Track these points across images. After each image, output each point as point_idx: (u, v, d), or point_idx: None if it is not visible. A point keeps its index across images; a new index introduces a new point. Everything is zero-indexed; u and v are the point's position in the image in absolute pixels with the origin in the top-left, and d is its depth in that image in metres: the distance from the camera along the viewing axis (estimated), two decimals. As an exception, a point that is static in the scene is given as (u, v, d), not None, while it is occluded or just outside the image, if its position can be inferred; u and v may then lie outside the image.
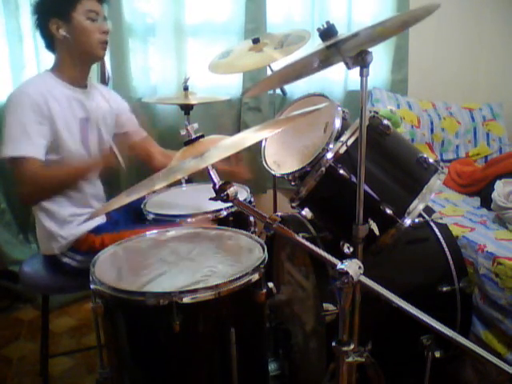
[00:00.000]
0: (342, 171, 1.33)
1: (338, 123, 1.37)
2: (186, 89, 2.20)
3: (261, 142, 1.57)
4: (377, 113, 1.42)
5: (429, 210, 1.64)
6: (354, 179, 1.31)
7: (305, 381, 1.70)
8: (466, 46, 3.14)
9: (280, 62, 1.99)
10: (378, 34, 1.19)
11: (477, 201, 2.32)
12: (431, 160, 1.41)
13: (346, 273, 0.90)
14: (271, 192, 2.44)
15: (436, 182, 1.38)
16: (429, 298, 1.54)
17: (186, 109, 2.30)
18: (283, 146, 1.54)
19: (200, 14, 2.66)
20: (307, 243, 1.01)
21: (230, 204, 1.16)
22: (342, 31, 1.17)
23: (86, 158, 1.68)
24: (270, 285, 1.25)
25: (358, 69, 1.16)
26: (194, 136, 1.49)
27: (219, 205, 1.66)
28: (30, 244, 2.53)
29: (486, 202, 2.15)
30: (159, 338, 1.18)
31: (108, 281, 1.18)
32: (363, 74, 1.16)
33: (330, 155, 1.33)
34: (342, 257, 0.95)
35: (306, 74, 1.40)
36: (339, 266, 0.92)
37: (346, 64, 1.16)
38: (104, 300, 1.18)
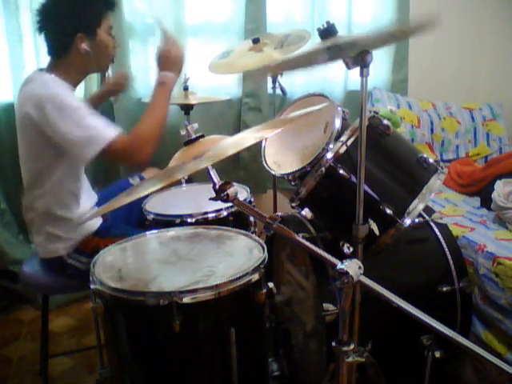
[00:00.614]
0: (341, 171, 1.33)
1: (337, 123, 1.37)
2: (185, 89, 2.20)
3: (261, 142, 1.57)
4: (377, 113, 1.42)
5: (429, 210, 1.64)
6: (353, 179, 1.31)
7: (305, 381, 1.70)
8: (466, 46, 3.14)
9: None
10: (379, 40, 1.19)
11: (477, 201, 2.32)
12: (431, 160, 1.41)
13: (346, 273, 0.90)
14: (271, 192, 2.44)
15: (436, 181, 1.38)
16: (429, 298, 1.54)
17: (186, 109, 2.30)
18: (283, 146, 1.54)
19: (200, 14, 2.66)
20: (307, 243, 1.01)
21: (229, 204, 1.16)
22: (342, 31, 1.17)
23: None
24: (270, 285, 1.25)
25: (358, 69, 1.16)
26: (193, 136, 1.49)
27: (219, 205, 1.66)
28: (30, 244, 2.53)
29: (486, 202, 2.15)
30: (159, 338, 1.18)
31: (108, 281, 1.18)
32: (363, 74, 1.16)
33: (329, 155, 1.33)
34: (342, 257, 0.95)
35: (307, 66, 1.38)
36: (339, 265, 0.92)
37: (346, 64, 1.17)
38: (104, 300, 1.18)
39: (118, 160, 1.47)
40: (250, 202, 1.86)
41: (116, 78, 2.02)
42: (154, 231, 1.51)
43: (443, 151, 2.89)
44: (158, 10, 2.58)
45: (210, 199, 1.09)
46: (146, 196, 1.89)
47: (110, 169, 2.66)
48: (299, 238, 1.03)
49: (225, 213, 1.71)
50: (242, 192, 1.87)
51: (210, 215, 1.70)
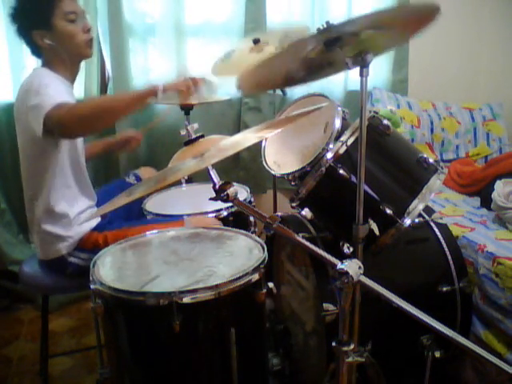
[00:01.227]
0: (341, 171, 1.33)
1: (338, 123, 1.37)
2: (185, 89, 2.20)
3: (261, 142, 1.57)
4: (377, 113, 1.42)
5: (429, 210, 1.64)
6: (353, 179, 1.31)
7: (305, 381, 1.71)
8: (466, 46, 3.14)
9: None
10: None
11: (477, 201, 2.32)
12: (431, 160, 1.41)
13: (346, 273, 0.90)
14: (271, 192, 2.44)
15: (436, 182, 1.38)
16: (429, 298, 1.54)
17: (186, 109, 2.30)
18: (283, 145, 1.54)
19: (200, 14, 2.66)
20: (307, 243, 1.01)
21: (230, 204, 1.16)
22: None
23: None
24: (270, 285, 1.25)
25: (357, 69, 1.16)
26: (193, 136, 1.49)
27: (219, 205, 1.66)
28: (30, 244, 2.53)
29: (486, 202, 2.15)
30: (159, 338, 1.18)
31: (108, 281, 1.18)
32: (363, 74, 1.16)
33: (329, 155, 1.33)
34: (342, 257, 0.95)
35: (310, 76, 1.38)
36: (339, 266, 0.92)
37: (346, 64, 1.16)
38: (104, 300, 1.18)
39: (54, 127, 1.46)
40: (250, 202, 1.86)
41: (125, 136, 2.01)
42: (154, 231, 1.51)
43: (443, 151, 2.89)
44: (158, 9, 2.58)
45: (210, 199, 1.09)
46: (146, 196, 1.89)
47: (111, 167, 2.66)
48: (299, 238, 1.03)
49: (225, 213, 1.71)
50: (241, 192, 1.87)
51: (210, 215, 1.70)
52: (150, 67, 2.64)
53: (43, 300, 1.78)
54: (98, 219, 1.71)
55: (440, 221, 1.62)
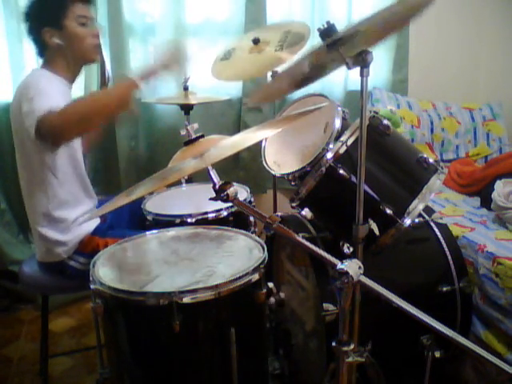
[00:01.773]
0: (341, 171, 1.33)
1: (338, 123, 1.37)
2: (185, 89, 2.20)
3: (261, 142, 1.57)
4: (377, 113, 1.42)
5: (429, 210, 1.64)
6: (353, 179, 1.31)
7: (305, 381, 1.70)
8: (466, 46, 3.14)
9: (284, 63, 1.98)
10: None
11: (477, 201, 2.32)
12: (431, 160, 1.41)
13: (346, 273, 0.90)
14: (271, 192, 2.44)
15: (436, 182, 1.38)
16: (429, 298, 1.54)
17: (186, 109, 2.30)
18: (283, 145, 1.54)
19: (200, 14, 2.66)
20: (307, 243, 1.01)
21: (229, 204, 1.16)
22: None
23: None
24: (270, 285, 1.25)
25: (358, 69, 1.16)
26: (193, 136, 1.49)
27: (219, 205, 1.66)
28: (30, 244, 2.53)
29: (486, 202, 2.15)
30: (159, 338, 1.18)
31: (108, 281, 1.18)
32: (363, 74, 1.16)
33: (329, 155, 1.33)
34: (342, 257, 0.95)
35: (310, 80, 1.38)
36: (339, 265, 0.92)
37: (346, 64, 1.16)
38: (104, 300, 1.18)
39: (46, 135, 1.45)
40: (250, 202, 1.86)
41: None
42: (154, 231, 1.51)
43: (443, 151, 2.89)
44: (158, 9, 2.58)
45: (210, 199, 1.09)
46: (146, 196, 1.89)
47: (110, 166, 2.66)
48: (299, 238, 1.03)
49: (225, 213, 1.71)
50: (241, 192, 1.87)
51: (210, 215, 1.70)
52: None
53: (43, 300, 1.78)
54: (97, 221, 1.71)
55: (440, 221, 1.62)
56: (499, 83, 3.19)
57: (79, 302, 2.52)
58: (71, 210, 1.65)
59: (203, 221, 1.68)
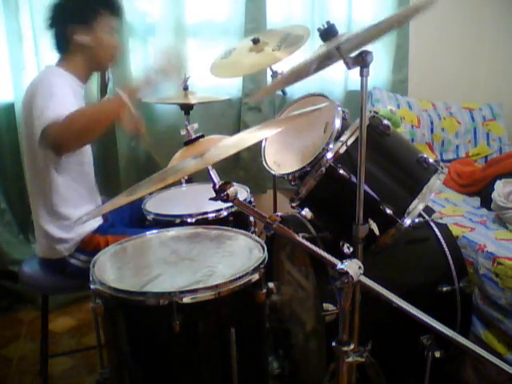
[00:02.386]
0: (341, 171, 1.33)
1: (338, 123, 1.37)
2: (185, 88, 2.20)
3: (261, 142, 1.57)
4: (377, 113, 1.42)
5: (429, 210, 1.64)
6: (353, 179, 1.31)
7: (305, 381, 1.70)
8: (466, 46, 3.14)
9: (282, 63, 1.99)
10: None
11: (477, 201, 2.32)
12: (431, 160, 1.41)
13: (346, 273, 0.90)
14: (271, 192, 2.43)
15: (436, 182, 1.38)
16: (429, 298, 1.54)
17: (186, 109, 2.30)
18: (283, 145, 1.54)
19: (200, 14, 2.66)
20: (307, 243, 1.01)
21: (229, 204, 1.16)
22: (342, 31, 1.17)
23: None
24: (270, 285, 1.25)
25: (358, 69, 1.16)
26: (193, 136, 1.49)
27: (219, 205, 1.66)
28: (30, 244, 2.53)
29: (486, 202, 2.15)
30: (159, 338, 1.18)
31: (108, 281, 1.18)
32: (363, 74, 1.16)
33: (329, 155, 1.33)
34: (342, 257, 0.95)
35: (305, 76, 1.39)
36: (339, 266, 0.92)
37: (346, 64, 1.16)
38: (104, 300, 1.18)
39: (50, 145, 1.47)
40: (250, 202, 1.86)
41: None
42: (154, 231, 1.51)
43: (443, 151, 2.89)
44: (158, 9, 2.58)
45: (210, 199, 1.09)
46: (146, 196, 1.89)
47: (110, 167, 2.65)
48: (299, 238, 1.03)
49: (225, 213, 1.71)
50: (242, 192, 1.87)
51: (210, 215, 1.70)
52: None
53: (43, 300, 1.78)
54: (100, 220, 1.71)
55: (440, 221, 1.62)
56: (499, 83, 3.19)
57: (79, 301, 2.52)
58: (74, 208, 1.65)
59: (203, 221, 1.68)
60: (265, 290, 1.22)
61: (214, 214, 1.70)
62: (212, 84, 2.61)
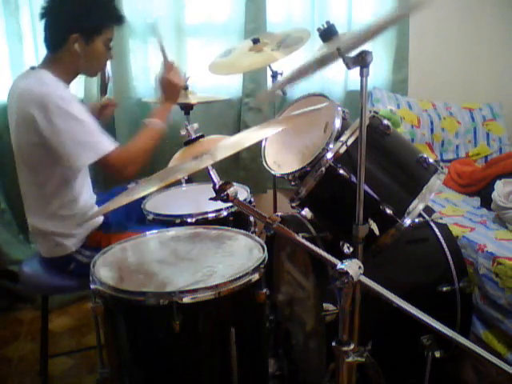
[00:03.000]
0: (341, 171, 1.33)
1: (338, 123, 1.37)
2: (185, 88, 2.20)
3: (261, 142, 1.57)
4: (377, 113, 1.42)
5: (429, 210, 1.64)
6: (353, 179, 1.31)
7: (305, 381, 1.70)
8: (466, 46, 3.14)
9: (280, 62, 1.99)
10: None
11: (477, 201, 2.32)
12: (431, 160, 1.41)
13: (346, 273, 0.90)
14: (271, 192, 2.44)
15: (436, 182, 1.38)
16: (429, 298, 1.54)
17: (186, 108, 2.30)
18: (283, 145, 1.54)
19: (200, 14, 2.66)
20: (307, 243, 1.01)
21: (229, 204, 1.16)
22: (342, 31, 1.17)
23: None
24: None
25: (358, 69, 1.16)
26: (193, 136, 1.49)
27: (219, 205, 1.66)
28: (30, 244, 2.53)
29: (486, 202, 2.15)
30: (159, 338, 1.18)
31: (108, 281, 1.18)
32: (363, 74, 1.16)
33: (329, 155, 1.33)
34: (342, 257, 0.95)
35: (306, 76, 1.39)
36: (339, 265, 0.92)
37: (346, 64, 1.16)
38: (104, 300, 1.18)
39: (108, 171, 1.57)
40: (250, 202, 1.86)
41: (101, 103, 2.06)
42: (154, 231, 1.51)
43: (443, 151, 2.89)
44: (158, 10, 2.57)
45: (210, 199, 1.09)
46: (146, 196, 1.89)
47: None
48: (299, 237, 1.03)
49: (225, 213, 1.71)
50: (242, 192, 1.87)
51: (210, 215, 1.70)
52: (149, 67, 2.64)
53: (43, 300, 1.78)
54: (102, 217, 1.71)
55: (440, 221, 1.62)
56: (499, 83, 3.19)
57: (79, 301, 2.52)
58: (73, 206, 1.65)
59: (203, 221, 1.68)
60: (265, 290, 1.22)
61: (214, 214, 1.70)
62: (212, 84, 2.61)
